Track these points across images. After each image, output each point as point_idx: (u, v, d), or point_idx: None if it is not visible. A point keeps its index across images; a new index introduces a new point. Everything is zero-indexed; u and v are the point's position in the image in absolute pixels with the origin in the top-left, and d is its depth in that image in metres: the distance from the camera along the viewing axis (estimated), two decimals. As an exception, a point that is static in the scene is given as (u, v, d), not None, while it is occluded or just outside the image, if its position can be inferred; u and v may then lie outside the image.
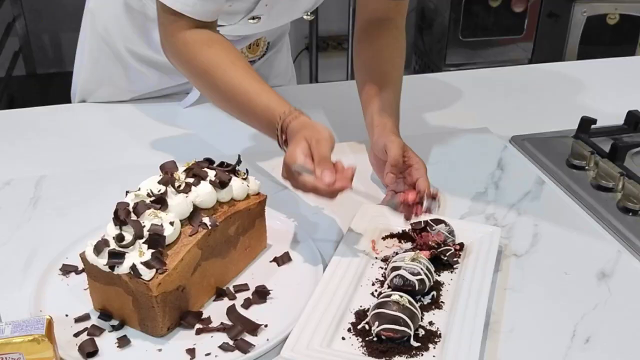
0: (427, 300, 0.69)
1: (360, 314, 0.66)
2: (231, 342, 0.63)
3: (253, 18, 1.01)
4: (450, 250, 0.74)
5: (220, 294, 0.70)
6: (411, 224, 0.78)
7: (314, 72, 2.73)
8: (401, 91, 0.99)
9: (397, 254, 0.73)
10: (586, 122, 1.04)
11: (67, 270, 0.72)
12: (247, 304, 0.69)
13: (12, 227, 0.82)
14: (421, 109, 1.17)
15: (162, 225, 0.63)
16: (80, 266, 0.70)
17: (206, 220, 0.66)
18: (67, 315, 0.66)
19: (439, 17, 2.49)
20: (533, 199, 0.90)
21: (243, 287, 0.71)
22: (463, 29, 2.43)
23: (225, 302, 0.69)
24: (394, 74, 1.00)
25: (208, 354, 0.62)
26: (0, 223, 0.82)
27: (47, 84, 2.48)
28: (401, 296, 0.64)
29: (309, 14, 1.12)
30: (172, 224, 0.63)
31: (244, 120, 0.88)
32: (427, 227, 0.77)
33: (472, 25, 2.44)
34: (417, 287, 0.68)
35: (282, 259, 0.75)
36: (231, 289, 0.71)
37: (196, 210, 0.66)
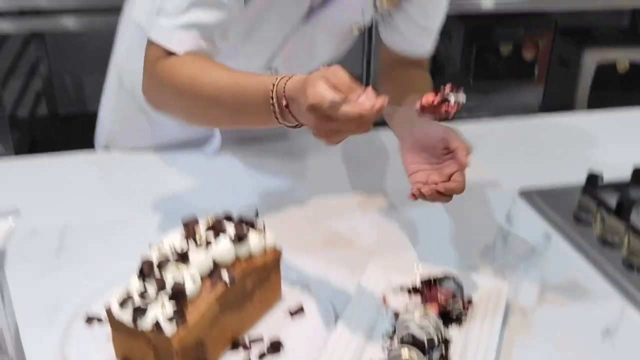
0: (435, 355, 0.71)
1: (371, 369, 0.69)
2: (247, 394, 0.66)
3: (270, 69, 1.06)
4: (459, 306, 0.77)
5: (235, 344, 0.73)
6: (421, 281, 0.80)
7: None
8: None
9: (407, 309, 0.76)
10: (593, 177, 1.07)
11: (91, 320, 0.75)
12: (261, 355, 0.71)
13: (37, 276, 0.85)
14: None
15: (183, 281, 0.66)
16: (104, 316, 0.73)
17: (225, 276, 0.69)
18: (90, 365, 0.69)
19: (450, 63, 2.55)
20: (540, 254, 0.93)
21: (257, 338, 0.74)
22: (474, 74, 2.48)
23: (241, 353, 0.72)
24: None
25: (224, 406, 0.64)
26: (25, 272, 0.86)
27: (69, 125, 2.55)
28: (410, 350, 0.66)
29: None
30: (193, 279, 0.67)
31: (237, 115, 0.85)
32: (437, 283, 0.79)
33: (483, 71, 2.49)
34: (426, 343, 0.70)
35: (296, 311, 0.78)
36: (246, 339, 0.74)
37: (216, 266, 0.70)
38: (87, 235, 0.94)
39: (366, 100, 0.66)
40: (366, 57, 2.35)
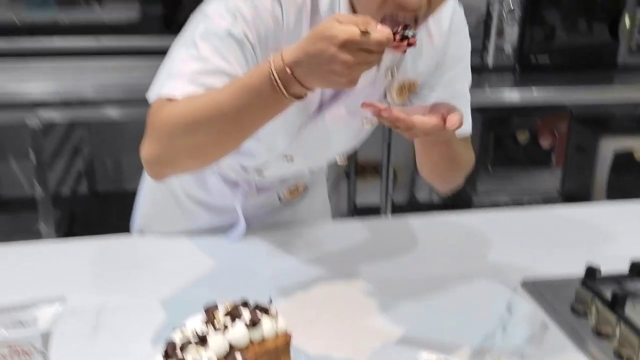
0: None
1: None
2: None
3: (286, 157, 1.15)
4: None
5: (248, 422, 0.80)
6: None
7: (351, 196, 2.89)
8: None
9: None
10: (591, 269, 1.13)
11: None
12: None
13: (74, 353, 0.95)
14: (436, 251, 1.29)
15: (202, 363, 0.75)
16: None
17: (239, 358, 0.77)
18: None
19: (470, 149, 2.66)
20: (537, 343, 0.99)
21: (268, 418, 0.81)
22: (493, 160, 2.57)
23: None
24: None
25: None
26: (62, 349, 0.95)
27: (107, 202, 2.71)
28: None
29: (342, 157, 1.25)
30: (211, 361, 0.75)
31: (243, 114, 0.85)
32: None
33: (502, 158, 2.59)
34: None
35: (305, 392, 0.86)
36: (258, 418, 0.81)
37: (232, 349, 0.78)
38: (121, 315, 1.04)
39: (384, 28, 0.76)
40: (387, 142, 2.47)
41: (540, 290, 1.13)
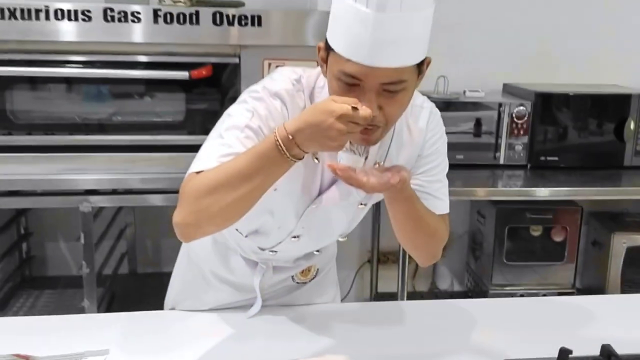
0: None
1: None
2: None
3: (295, 237, 1.35)
4: None
5: None
6: None
7: (374, 282, 3.04)
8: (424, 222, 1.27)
9: None
10: (564, 352, 1.26)
11: None
12: None
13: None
14: (423, 330, 1.43)
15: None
16: None
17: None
18: None
19: (486, 242, 2.80)
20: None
21: None
22: (507, 253, 2.71)
23: None
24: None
25: None
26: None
27: (145, 282, 2.92)
28: None
29: (345, 237, 1.45)
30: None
31: (256, 174, 1.06)
32: None
33: (516, 251, 2.72)
34: None
35: None
36: None
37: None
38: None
39: (367, 108, 1.02)
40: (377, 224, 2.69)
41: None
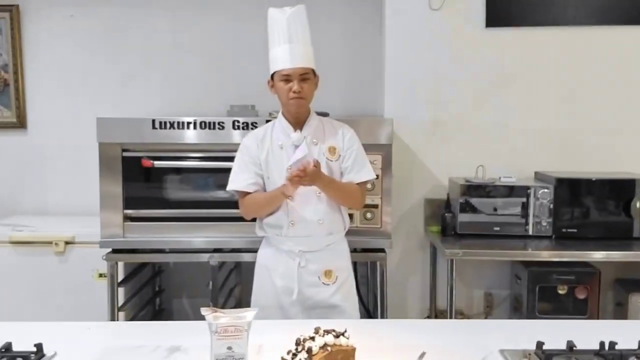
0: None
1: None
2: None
3: (291, 222, 2.47)
4: None
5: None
6: None
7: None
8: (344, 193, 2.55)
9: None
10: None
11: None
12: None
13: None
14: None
15: None
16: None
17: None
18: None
19: (520, 299, 3.43)
20: None
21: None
22: (539, 309, 3.33)
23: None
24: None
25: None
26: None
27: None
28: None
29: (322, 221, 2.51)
30: None
31: (269, 203, 2.50)
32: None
33: (546, 306, 3.33)
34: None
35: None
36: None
37: (325, 345, 1.70)
38: None
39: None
40: (434, 287, 3.37)
41: None
